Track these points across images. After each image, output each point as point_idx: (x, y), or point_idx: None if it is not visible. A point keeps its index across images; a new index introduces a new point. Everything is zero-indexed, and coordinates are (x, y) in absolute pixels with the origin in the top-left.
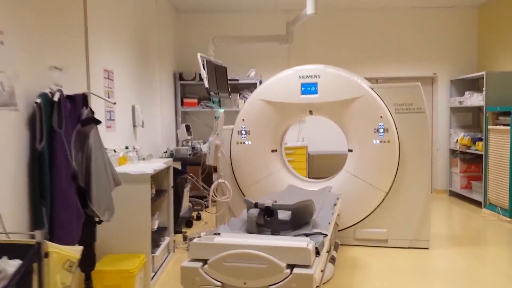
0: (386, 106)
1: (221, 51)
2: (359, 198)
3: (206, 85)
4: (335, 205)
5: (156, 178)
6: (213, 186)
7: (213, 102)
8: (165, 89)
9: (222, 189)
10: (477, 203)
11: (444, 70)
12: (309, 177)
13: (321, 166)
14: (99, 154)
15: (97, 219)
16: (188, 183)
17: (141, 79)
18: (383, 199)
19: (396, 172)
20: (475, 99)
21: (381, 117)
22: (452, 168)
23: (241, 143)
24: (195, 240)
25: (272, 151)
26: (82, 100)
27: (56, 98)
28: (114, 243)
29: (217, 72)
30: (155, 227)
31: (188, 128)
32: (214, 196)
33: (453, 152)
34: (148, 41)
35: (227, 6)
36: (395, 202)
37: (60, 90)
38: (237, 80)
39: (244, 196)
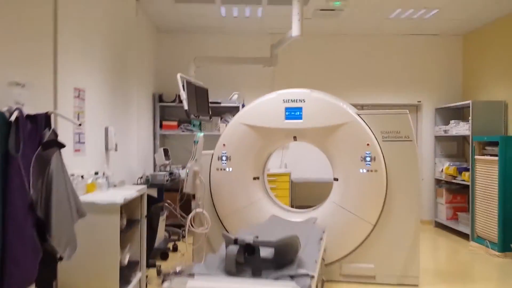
0: (373, 133)
1: (203, 73)
2: (345, 230)
3: (186, 107)
4: (321, 239)
5: (128, 206)
6: (190, 216)
7: (194, 126)
8: (143, 111)
9: (200, 219)
10: (464, 235)
11: (428, 98)
12: (292, 206)
13: (304, 194)
14: (62, 181)
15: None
16: (164, 211)
17: (117, 99)
18: (370, 232)
19: (384, 203)
20: (460, 128)
21: (368, 145)
22: (437, 199)
23: (221, 169)
24: (164, 286)
25: (254, 178)
26: (44, 120)
27: (13, 118)
28: (77, 281)
29: (198, 94)
30: (126, 261)
31: (166, 152)
32: (191, 227)
33: (438, 182)
34: (126, 60)
35: (211, 27)
36: (383, 235)
37: (19, 109)
38: (219, 103)
39: (223, 225)
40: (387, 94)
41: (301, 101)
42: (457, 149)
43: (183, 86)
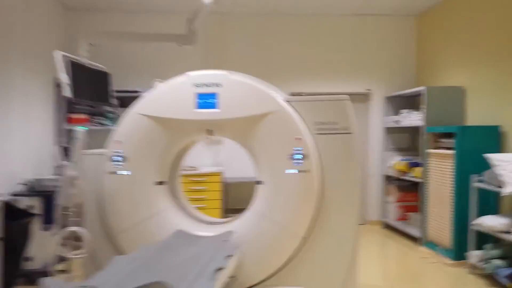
0: (305, 125)
1: (118, 57)
2: (270, 245)
3: (68, 93)
4: (217, 270)
5: None
6: (59, 236)
7: (108, 119)
8: (35, 101)
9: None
10: (415, 239)
11: (379, 86)
12: (225, 210)
13: (239, 196)
14: None
15: None
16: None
17: None
18: (300, 247)
19: (318, 210)
20: (413, 118)
21: (298, 139)
22: (386, 197)
23: (114, 173)
24: None
25: (158, 183)
26: None
27: None
28: None
29: (93, 78)
30: None
31: (66, 150)
32: (65, 252)
33: (387, 179)
34: (7, 40)
35: (126, 4)
36: (315, 250)
37: None
38: (138, 92)
39: (116, 245)
40: (332, 81)
41: (216, 86)
42: (409, 142)
43: (66, 68)
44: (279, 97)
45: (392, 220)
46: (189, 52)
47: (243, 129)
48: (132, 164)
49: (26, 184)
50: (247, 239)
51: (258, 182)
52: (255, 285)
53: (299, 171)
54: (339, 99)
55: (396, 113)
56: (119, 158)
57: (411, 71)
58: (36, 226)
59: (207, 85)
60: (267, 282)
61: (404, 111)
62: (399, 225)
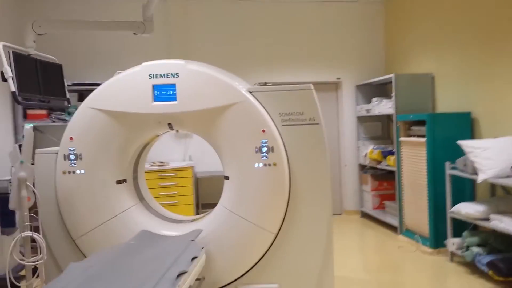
0: (270, 116)
1: (78, 49)
2: (240, 243)
3: (12, 87)
4: (178, 276)
5: None
6: (12, 243)
7: (69, 114)
8: None
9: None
10: (392, 228)
11: (349, 74)
12: (198, 205)
13: (213, 191)
14: None
15: None
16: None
17: None
18: (272, 243)
19: (287, 204)
20: (383, 107)
21: (263, 131)
22: (362, 186)
23: (69, 172)
24: None
25: (119, 182)
26: None
27: None
28: None
29: (43, 71)
30: None
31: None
32: (22, 258)
33: (362, 168)
34: None
35: None
36: (288, 245)
37: None
38: (98, 84)
39: (79, 249)
40: (302, 71)
41: (173, 76)
42: (382, 130)
43: (9, 60)
44: (241, 87)
45: (369, 209)
46: (153, 41)
47: (205, 122)
48: (87, 162)
49: None
50: (216, 238)
51: (226, 178)
52: (227, 285)
53: (266, 165)
54: (304, 89)
55: (368, 101)
56: (72, 156)
57: (381, 58)
58: None
59: (163, 76)
60: (240, 281)
61: (375, 99)
62: (377, 213)
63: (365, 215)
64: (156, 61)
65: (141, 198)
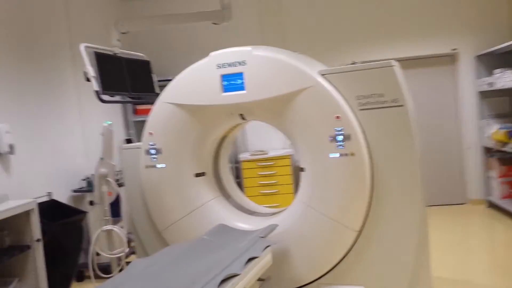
0: (345, 100)
1: (164, 45)
2: (320, 240)
3: (95, 87)
4: (225, 280)
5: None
6: (95, 236)
7: None
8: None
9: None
10: None
11: (467, 44)
12: None
13: None
14: None
15: None
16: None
17: (21, 85)
18: (355, 241)
19: (370, 199)
20: (508, 78)
21: (337, 117)
22: (488, 172)
23: (151, 166)
24: None
25: (198, 175)
26: None
27: None
28: None
29: (130, 68)
30: None
31: (129, 143)
32: (102, 252)
33: (488, 151)
34: (55, 36)
35: None
36: (373, 244)
37: None
38: None
39: (165, 241)
40: (411, 44)
41: (240, 64)
42: (510, 107)
43: (92, 60)
44: (311, 71)
45: (497, 199)
46: (243, 27)
47: (275, 111)
48: (166, 156)
49: (89, 179)
50: (292, 234)
51: (301, 169)
52: (306, 285)
53: (343, 155)
54: (383, 66)
55: (490, 73)
56: (153, 151)
57: (503, 22)
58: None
59: (230, 65)
60: (322, 280)
61: (498, 70)
62: (506, 204)
63: (492, 205)
64: (223, 50)
65: (222, 190)
